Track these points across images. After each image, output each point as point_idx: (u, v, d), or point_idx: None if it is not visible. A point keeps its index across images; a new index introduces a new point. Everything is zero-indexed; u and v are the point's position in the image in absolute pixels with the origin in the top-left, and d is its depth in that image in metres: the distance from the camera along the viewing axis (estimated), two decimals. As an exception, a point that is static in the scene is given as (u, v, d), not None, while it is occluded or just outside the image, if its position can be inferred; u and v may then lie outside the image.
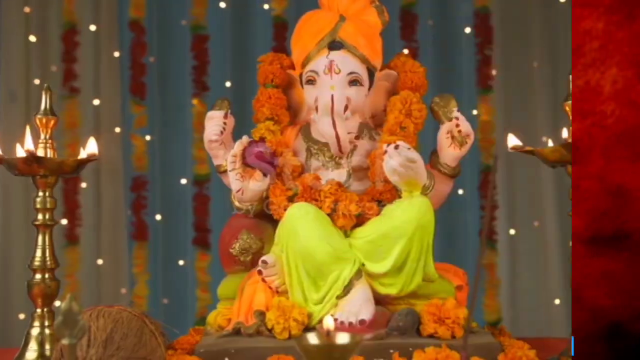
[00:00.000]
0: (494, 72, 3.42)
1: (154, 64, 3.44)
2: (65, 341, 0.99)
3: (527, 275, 3.46)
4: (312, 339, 1.03)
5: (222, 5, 3.46)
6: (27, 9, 3.35)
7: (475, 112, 3.41)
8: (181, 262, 3.41)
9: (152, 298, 3.37)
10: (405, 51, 3.43)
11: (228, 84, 3.41)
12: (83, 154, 1.58)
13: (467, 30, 3.45)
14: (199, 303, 3.32)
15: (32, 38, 3.34)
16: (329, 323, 1.09)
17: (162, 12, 3.45)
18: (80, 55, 3.38)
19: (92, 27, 3.39)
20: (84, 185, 3.36)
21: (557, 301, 3.40)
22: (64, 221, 3.30)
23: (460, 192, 3.42)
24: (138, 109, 3.41)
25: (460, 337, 1.48)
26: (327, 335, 1.03)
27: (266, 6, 3.43)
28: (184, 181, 3.40)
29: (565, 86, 1.85)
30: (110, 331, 1.28)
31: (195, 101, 3.39)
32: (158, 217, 3.41)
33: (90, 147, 1.57)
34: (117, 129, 3.40)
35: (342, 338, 1.03)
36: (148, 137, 3.41)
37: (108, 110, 3.42)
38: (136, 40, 3.41)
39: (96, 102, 3.38)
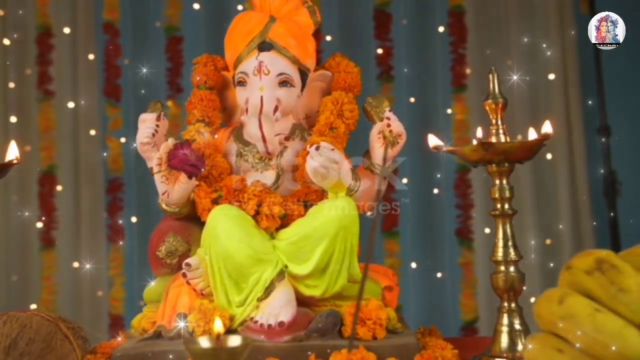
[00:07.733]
0: (468, 71, 3.40)
1: (128, 66, 3.44)
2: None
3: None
4: (203, 342, 1.03)
5: (196, 6, 3.46)
6: (1, 12, 3.36)
7: (449, 110, 3.41)
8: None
9: (129, 300, 3.37)
10: (380, 50, 3.43)
11: (202, 85, 3.40)
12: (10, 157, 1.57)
13: (441, 29, 3.43)
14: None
15: (6, 41, 3.35)
16: (217, 326, 1.09)
17: (136, 14, 3.45)
18: (55, 58, 3.39)
19: (67, 30, 3.40)
20: (59, 188, 3.37)
21: (532, 299, 3.36)
22: (39, 224, 3.32)
23: (436, 191, 3.41)
24: (113, 111, 3.43)
25: (381, 338, 1.47)
26: (217, 338, 1.03)
27: (240, 7, 3.42)
28: (159, 183, 3.39)
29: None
30: (15, 336, 1.26)
31: (169, 103, 3.38)
32: (134, 219, 3.41)
33: (12, 151, 1.56)
34: (93, 132, 3.40)
35: (231, 341, 1.03)
36: (123, 139, 3.41)
37: (84, 112, 3.42)
38: (111, 43, 3.43)
39: (71, 104, 3.39)
